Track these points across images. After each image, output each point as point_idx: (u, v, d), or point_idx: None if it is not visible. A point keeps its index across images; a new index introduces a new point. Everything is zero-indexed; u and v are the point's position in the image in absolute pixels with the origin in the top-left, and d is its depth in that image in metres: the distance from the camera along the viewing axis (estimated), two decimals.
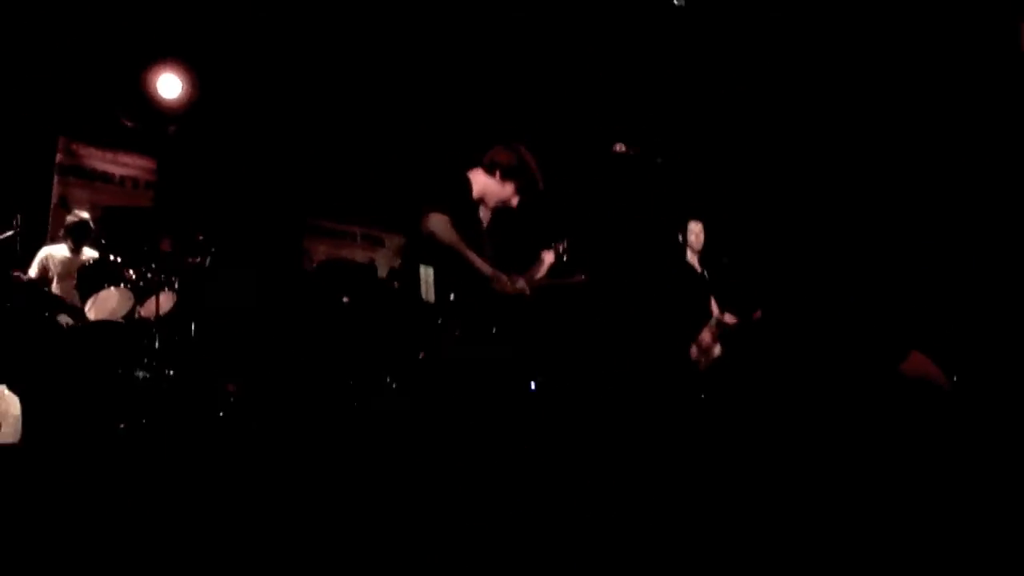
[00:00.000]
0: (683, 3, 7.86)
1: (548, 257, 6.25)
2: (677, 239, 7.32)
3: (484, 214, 4.87)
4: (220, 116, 8.68)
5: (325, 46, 8.45)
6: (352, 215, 10.15)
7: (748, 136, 8.53)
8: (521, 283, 4.76)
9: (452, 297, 4.35)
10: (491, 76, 8.41)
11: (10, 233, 6.40)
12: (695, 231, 7.37)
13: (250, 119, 8.80)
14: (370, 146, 9.43)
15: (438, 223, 4.31)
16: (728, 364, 7.17)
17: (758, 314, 7.16)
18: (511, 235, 6.66)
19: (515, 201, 4.79)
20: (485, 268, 4.45)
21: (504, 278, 4.56)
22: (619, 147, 5.57)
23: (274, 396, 7.01)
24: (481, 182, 4.72)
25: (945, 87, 7.77)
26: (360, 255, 10.17)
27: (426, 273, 4.32)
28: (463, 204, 4.59)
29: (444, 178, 4.66)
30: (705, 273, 7.37)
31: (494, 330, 4.55)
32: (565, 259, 6.37)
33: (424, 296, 4.29)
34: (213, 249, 7.22)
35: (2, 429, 5.13)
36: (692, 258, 7.37)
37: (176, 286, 6.93)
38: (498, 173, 4.71)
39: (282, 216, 9.25)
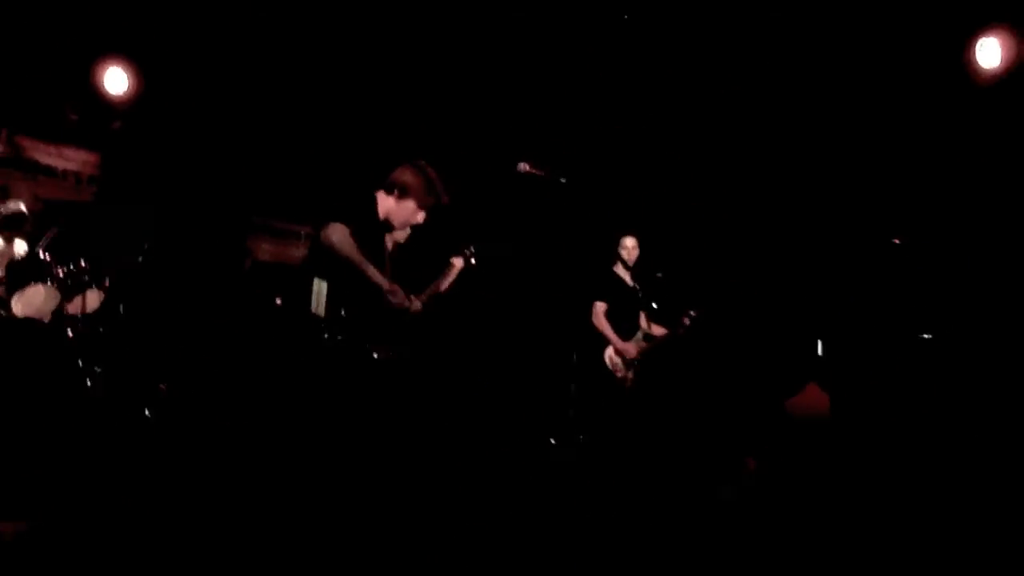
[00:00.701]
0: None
1: (457, 263, 6.38)
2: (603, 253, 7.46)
3: (396, 234, 4.95)
4: (166, 112, 8.70)
5: (270, 44, 8.46)
6: (297, 214, 10.17)
7: (684, 152, 8.62)
8: (417, 303, 4.85)
9: (344, 311, 4.43)
10: (409, 92, 8.50)
11: None
12: (628, 246, 7.48)
13: (196, 116, 8.81)
14: (315, 145, 9.45)
15: (338, 233, 4.37)
16: (649, 377, 7.28)
17: (685, 324, 7.26)
18: (419, 247, 6.79)
19: (420, 218, 4.87)
20: (381, 280, 4.52)
21: (400, 292, 4.63)
22: (523, 166, 5.65)
23: (202, 396, 7.07)
24: (385, 203, 4.79)
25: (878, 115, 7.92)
26: (303, 254, 10.18)
27: (319, 287, 4.39)
28: (367, 222, 4.67)
29: (348, 193, 4.75)
30: (636, 287, 7.47)
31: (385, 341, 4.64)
32: (473, 263, 6.50)
33: (314, 309, 4.37)
34: (146, 246, 7.28)
35: None
36: (623, 272, 7.47)
37: (106, 284, 7.01)
38: (397, 192, 4.78)
39: (225, 214, 9.28)
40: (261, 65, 8.62)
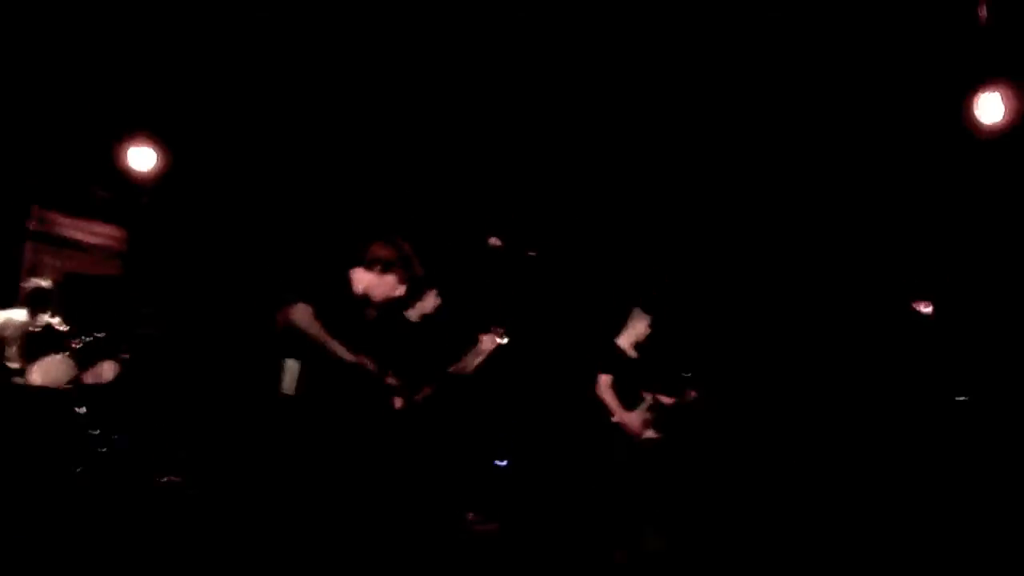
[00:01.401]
0: None
1: (487, 342, 6.49)
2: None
3: (375, 310, 5.06)
4: (192, 189, 8.97)
5: (289, 124, 8.75)
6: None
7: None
8: (375, 369, 4.89)
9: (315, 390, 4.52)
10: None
11: None
12: (644, 323, 7.47)
13: (222, 193, 9.09)
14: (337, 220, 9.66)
15: (299, 313, 4.49)
16: (664, 445, 7.28)
17: (692, 394, 7.26)
18: (442, 323, 6.93)
19: (399, 292, 4.99)
20: (347, 355, 4.59)
21: (372, 367, 4.72)
22: (493, 240, 5.77)
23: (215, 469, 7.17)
24: (363, 279, 4.90)
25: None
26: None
27: (291, 366, 4.47)
28: (342, 300, 4.78)
29: (313, 272, 4.86)
30: (640, 359, 7.47)
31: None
32: (504, 342, 6.61)
33: (284, 388, 4.45)
34: (163, 320, 7.48)
35: None
36: (628, 346, 7.47)
37: (123, 356, 7.20)
38: (378, 268, 4.90)
39: (250, 288, 9.47)
40: (278, 142, 8.90)
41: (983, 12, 6.88)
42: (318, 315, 4.53)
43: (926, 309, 9.38)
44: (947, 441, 8.06)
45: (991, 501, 6.94)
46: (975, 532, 6.13)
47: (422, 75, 7.91)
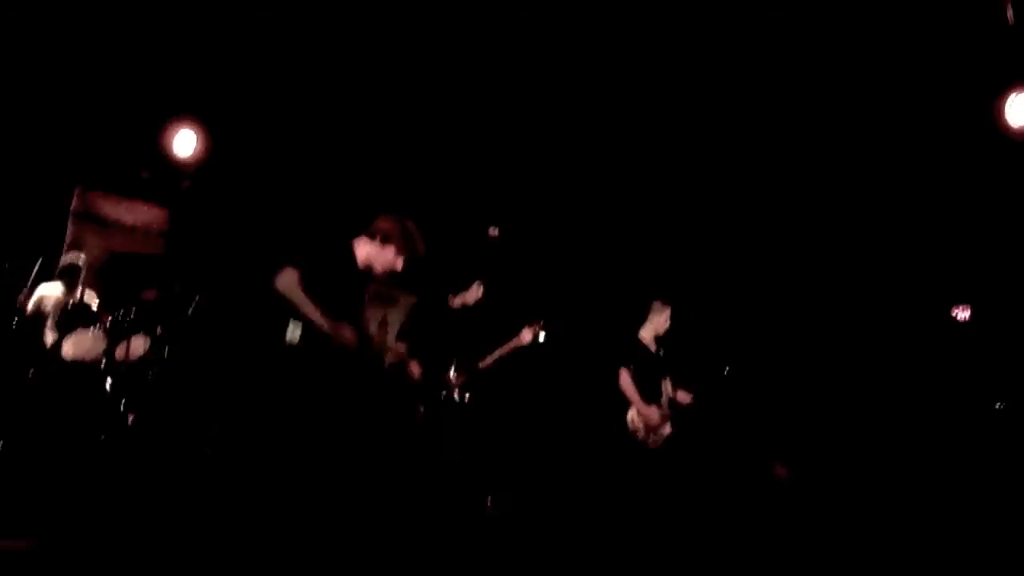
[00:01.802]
0: None
1: (527, 335, 6.66)
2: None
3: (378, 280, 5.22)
4: (232, 172, 9.19)
5: (327, 109, 8.94)
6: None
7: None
8: (351, 338, 4.95)
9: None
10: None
11: None
12: (664, 315, 7.48)
13: (261, 176, 9.29)
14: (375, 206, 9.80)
15: (284, 278, 4.68)
16: (679, 443, 7.29)
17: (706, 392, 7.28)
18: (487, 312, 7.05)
19: (399, 265, 5.15)
20: (323, 323, 4.72)
21: (347, 334, 4.83)
22: (492, 231, 5.87)
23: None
24: (366, 250, 5.09)
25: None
26: (371, 313, 10.47)
27: (293, 328, 4.63)
28: (342, 268, 4.98)
29: (309, 240, 5.00)
30: (661, 352, 7.49)
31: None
32: (542, 338, 6.74)
33: (288, 338, 4.62)
34: (197, 299, 7.67)
35: None
36: (650, 339, 7.49)
37: (156, 332, 7.40)
38: (379, 238, 5.08)
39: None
40: (316, 125, 9.08)
41: (1011, 14, 6.78)
42: (311, 282, 4.70)
43: (964, 314, 9.25)
44: (980, 447, 7.95)
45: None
46: (995, 536, 6.05)
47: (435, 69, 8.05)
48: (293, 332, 4.65)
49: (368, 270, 5.13)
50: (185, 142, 8.84)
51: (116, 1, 7.82)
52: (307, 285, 4.71)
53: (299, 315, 4.69)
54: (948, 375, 8.59)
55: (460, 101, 8.60)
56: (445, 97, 8.61)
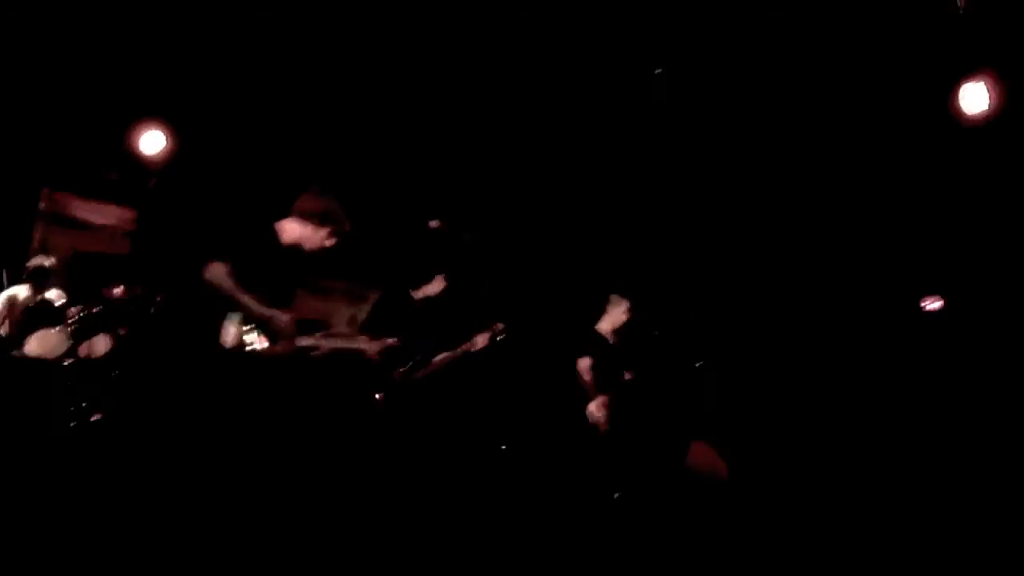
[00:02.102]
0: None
1: (480, 341, 6.70)
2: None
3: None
4: (199, 170, 9.28)
5: (296, 108, 9.03)
6: (335, 270, 10.55)
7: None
8: (287, 323, 4.91)
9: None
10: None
11: None
12: (621, 308, 7.56)
13: (229, 174, 9.37)
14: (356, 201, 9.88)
15: (214, 271, 4.65)
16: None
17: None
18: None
19: (329, 243, 5.07)
20: (261, 311, 4.69)
21: (283, 320, 4.78)
22: (434, 223, 5.93)
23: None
24: (295, 230, 5.00)
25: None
26: (342, 310, 10.54)
27: (231, 320, 4.65)
28: (266, 251, 4.94)
29: (234, 228, 5.03)
30: (621, 345, 7.57)
31: None
32: (500, 340, 6.80)
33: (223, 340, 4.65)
34: (159, 298, 7.75)
35: None
36: (608, 332, 7.57)
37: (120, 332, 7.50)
38: (315, 220, 4.99)
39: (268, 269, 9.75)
40: (284, 122, 9.17)
41: (962, 1, 6.90)
42: (241, 271, 4.68)
43: (934, 305, 9.34)
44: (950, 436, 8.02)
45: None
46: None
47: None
48: (227, 331, 4.65)
49: (297, 251, 5.04)
50: (152, 142, 8.93)
51: (83, 2, 7.96)
52: (238, 274, 4.69)
53: (234, 306, 4.68)
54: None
55: (427, 97, 8.69)
56: (411, 93, 8.70)
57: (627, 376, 7.44)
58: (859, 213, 8.59)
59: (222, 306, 4.71)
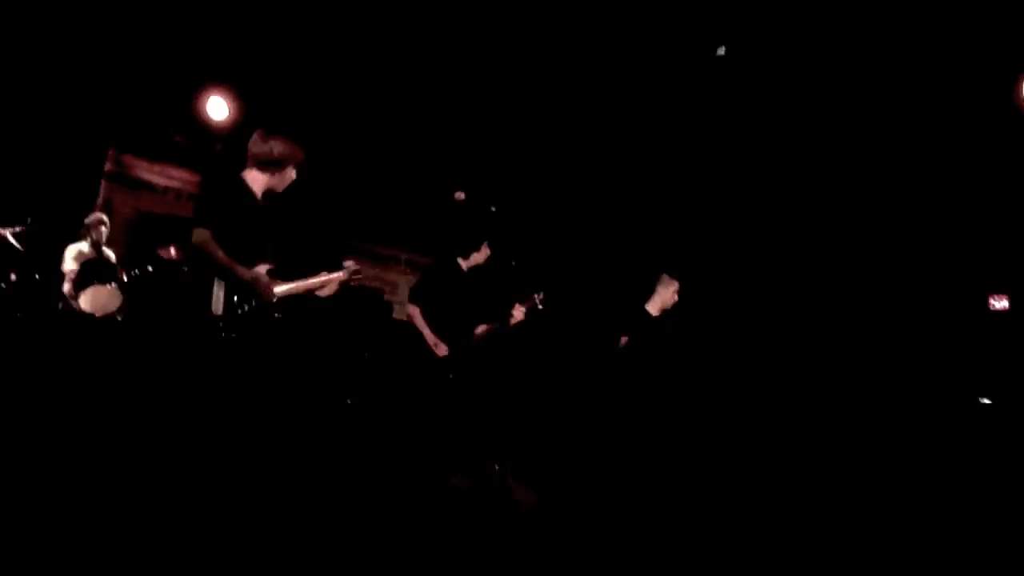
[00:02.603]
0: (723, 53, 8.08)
1: (519, 313, 6.67)
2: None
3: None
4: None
5: (370, 75, 9.09)
6: (396, 239, 10.66)
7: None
8: (280, 288, 4.90)
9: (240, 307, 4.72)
10: None
11: (18, 229, 7.22)
12: (671, 289, 7.46)
13: (295, 140, 9.46)
14: (411, 173, 9.94)
15: (196, 237, 4.60)
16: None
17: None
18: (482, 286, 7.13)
19: (292, 175, 5.10)
20: (245, 274, 4.66)
21: (264, 281, 4.75)
22: (459, 195, 5.87)
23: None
24: (262, 179, 5.01)
25: None
26: (402, 279, 10.65)
27: (219, 286, 4.64)
28: (239, 207, 4.86)
29: (208, 191, 5.00)
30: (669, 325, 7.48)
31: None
32: (540, 308, 6.76)
33: (213, 309, 4.64)
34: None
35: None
36: (656, 312, 7.48)
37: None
38: (273, 166, 5.00)
39: (322, 238, 9.88)
40: (355, 93, 9.24)
41: None
42: (222, 233, 4.63)
43: (1001, 303, 8.98)
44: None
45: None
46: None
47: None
48: (217, 300, 4.64)
49: (268, 197, 5.04)
50: (217, 107, 9.07)
51: None
52: (219, 237, 4.63)
53: (220, 271, 4.62)
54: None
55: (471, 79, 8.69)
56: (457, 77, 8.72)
57: None
58: (921, 211, 8.29)
59: (210, 272, 4.66)
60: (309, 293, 5.20)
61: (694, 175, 8.72)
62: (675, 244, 8.67)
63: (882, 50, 7.32)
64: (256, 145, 5.01)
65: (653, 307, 7.41)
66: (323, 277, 5.25)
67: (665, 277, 7.43)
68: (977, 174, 7.63)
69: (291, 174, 5.10)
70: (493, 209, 6.11)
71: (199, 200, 5.15)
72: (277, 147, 4.99)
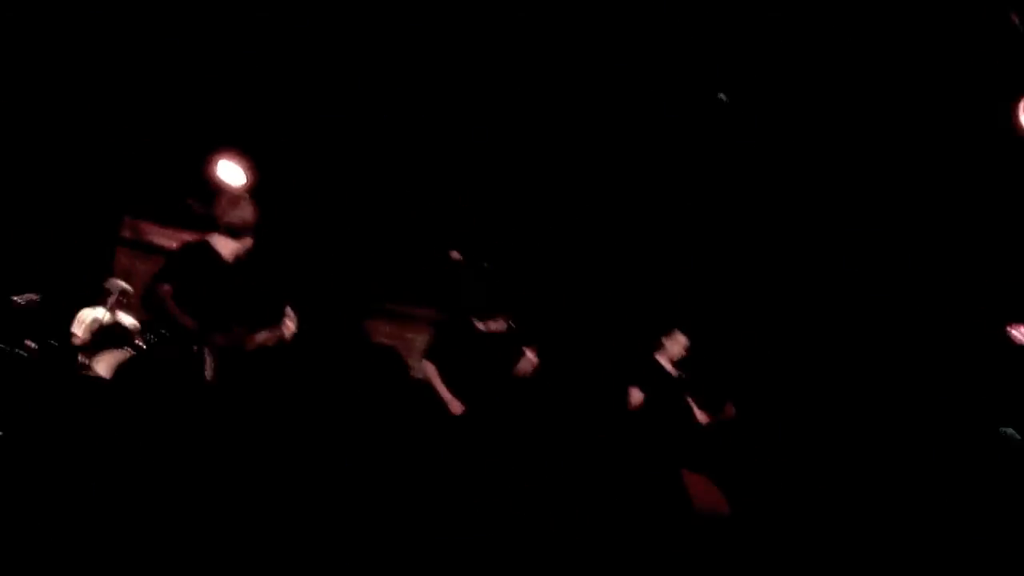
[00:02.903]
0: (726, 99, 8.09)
1: (531, 357, 6.71)
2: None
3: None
4: (278, 200, 9.44)
5: (377, 137, 9.15)
6: (416, 296, 10.63)
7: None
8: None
9: None
10: None
11: (34, 297, 7.24)
12: (680, 343, 7.44)
13: (308, 203, 9.53)
14: (430, 229, 9.95)
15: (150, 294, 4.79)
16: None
17: (731, 411, 7.17)
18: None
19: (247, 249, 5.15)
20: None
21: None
22: (455, 255, 5.91)
23: None
24: (233, 247, 5.13)
25: None
26: (419, 338, 10.58)
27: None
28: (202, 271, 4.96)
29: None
30: (682, 375, 7.44)
31: None
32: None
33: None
34: None
35: None
36: (666, 362, 7.45)
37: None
38: (243, 233, 5.12)
39: (339, 297, 9.88)
40: (365, 156, 9.29)
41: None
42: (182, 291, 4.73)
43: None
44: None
45: None
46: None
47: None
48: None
49: (238, 264, 5.12)
50: (231, 172, 9.10)
51: (162, 34, 8.19)
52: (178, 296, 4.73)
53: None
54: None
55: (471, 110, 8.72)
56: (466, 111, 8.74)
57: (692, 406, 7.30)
58: (943, 237, 8.23)
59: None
60: None
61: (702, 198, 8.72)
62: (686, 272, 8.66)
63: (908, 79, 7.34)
64: (228, 208, 5.08)
65: (662, 357, 7.42)
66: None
67: (675, 333, 7.43)
68: (1001, 204, 7.57)
69: (247, 245, 5.17)
70: (486, 265, 6.14)
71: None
72: (244, 211, 5.10)
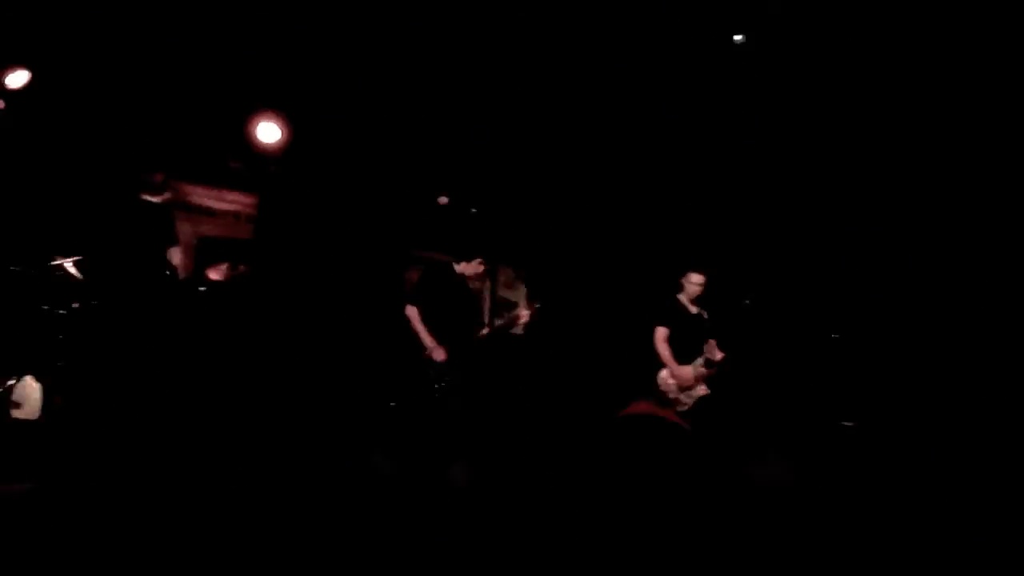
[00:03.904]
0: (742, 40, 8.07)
1: (524, 315, 6.84)
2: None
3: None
4: (315, 159, 9.65)
5: (414, 93, 9.24)
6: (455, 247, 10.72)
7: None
8: None
9: None
10: None
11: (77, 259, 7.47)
12: (696, 281, 7.46)
13: (348, 158, 9.71)
14: (467, 181, 10.03)
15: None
16: (711, 404, 7.22)
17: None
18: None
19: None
20: None
21: None
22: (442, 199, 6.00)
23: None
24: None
25: None
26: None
27: None
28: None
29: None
30: (704, 314, 7.47)
31: None
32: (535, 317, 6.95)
33: None
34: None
35: (25, 408, 6.33)
36: (687, 302, 7.49)
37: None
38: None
39: (380, 248, 10.06)
40: (404, 110, 9.40)
41: None
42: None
43: None
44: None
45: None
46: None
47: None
48: None
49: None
50: (270, 132, 9.29)
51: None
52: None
53: None
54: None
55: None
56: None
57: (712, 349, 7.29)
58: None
59: None
60: None
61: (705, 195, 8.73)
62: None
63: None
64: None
65: (684, 297, 7.50)
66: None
67: (691, 273, 7.46)
68: None
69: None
70: (474, 211, 6.26)
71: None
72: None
